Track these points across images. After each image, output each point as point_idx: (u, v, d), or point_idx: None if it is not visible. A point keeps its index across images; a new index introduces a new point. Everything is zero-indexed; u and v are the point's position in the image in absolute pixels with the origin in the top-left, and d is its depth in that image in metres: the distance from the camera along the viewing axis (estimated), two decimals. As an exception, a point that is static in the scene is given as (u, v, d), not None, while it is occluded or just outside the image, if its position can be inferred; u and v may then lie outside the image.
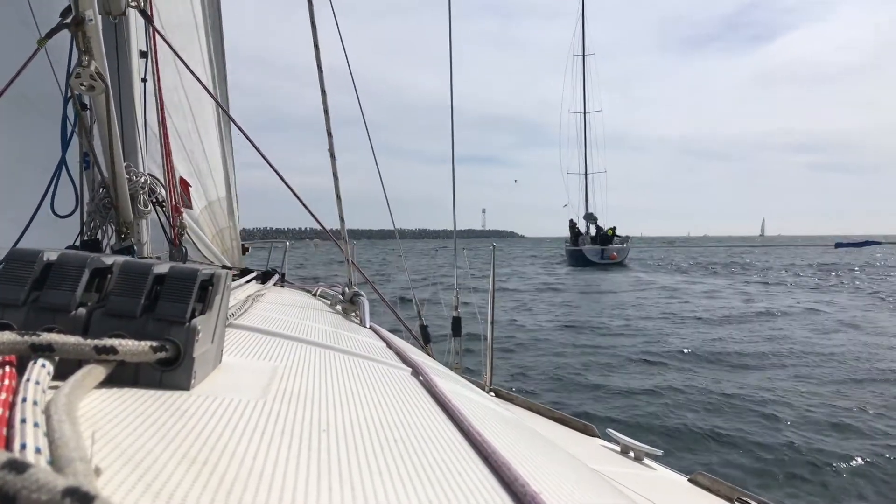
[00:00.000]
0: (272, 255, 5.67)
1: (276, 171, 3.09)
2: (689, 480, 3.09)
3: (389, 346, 1.95)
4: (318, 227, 3.41)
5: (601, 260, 39.21)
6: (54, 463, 0.45)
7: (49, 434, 0.49)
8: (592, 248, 40.50)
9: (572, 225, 45.18)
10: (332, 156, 3.25)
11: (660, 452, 3.22)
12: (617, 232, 42.27)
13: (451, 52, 5.07)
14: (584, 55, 53.05)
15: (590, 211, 48.04)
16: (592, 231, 44.28)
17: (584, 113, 52.47)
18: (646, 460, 3.14)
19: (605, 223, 44.62)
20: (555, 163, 56.20)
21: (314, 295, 3.48)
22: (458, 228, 5.70)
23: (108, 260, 0.85)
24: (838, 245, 3.47)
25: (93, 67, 1.84)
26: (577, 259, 40.19)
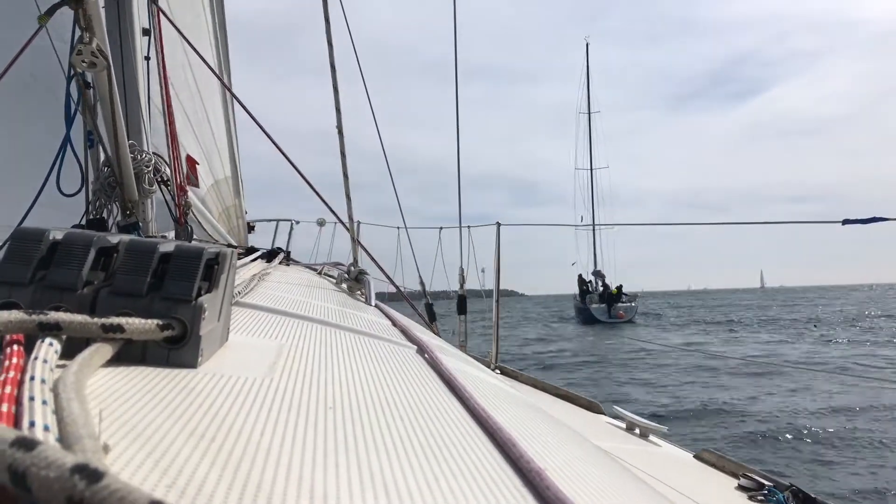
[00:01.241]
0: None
1: (280, 149, 3.08)
2: (694, 457, 3.11)
3: (395, 323, 1.95)
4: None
5: (609, 319, 38.32)
6: (63, 440, 0.45)
7: (57, 412, 0.49)
8: (599, 308, 39.70)
9: (581, 281, 44.28)
10: (340, 132, 3.24)
11: (665, 429, 3.24)
12: (624, 290, 41.12)
13: (457, 111, 5.19)
14: (589, 113, 52.84)
15: (598, 268, 47.03)
16: (600, 288, 43.13)
17: (591, 170, 52.19)
18: (651, 437, 3.16)
19: (613, 279, 43.68)
20: (554, 221, 55.01)
21: (319, 273, 3.49)
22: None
23: (114, 239, 0.85)
24: (845, 222, 3.48)
25: (94, 45, 1.83)
26: (586, 317, 39.52)
